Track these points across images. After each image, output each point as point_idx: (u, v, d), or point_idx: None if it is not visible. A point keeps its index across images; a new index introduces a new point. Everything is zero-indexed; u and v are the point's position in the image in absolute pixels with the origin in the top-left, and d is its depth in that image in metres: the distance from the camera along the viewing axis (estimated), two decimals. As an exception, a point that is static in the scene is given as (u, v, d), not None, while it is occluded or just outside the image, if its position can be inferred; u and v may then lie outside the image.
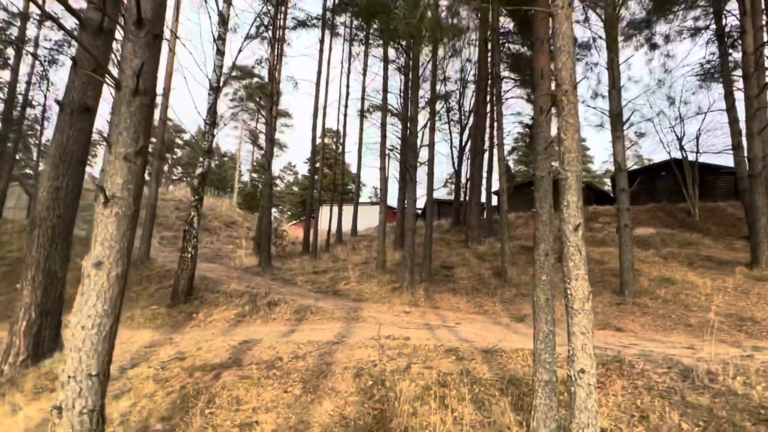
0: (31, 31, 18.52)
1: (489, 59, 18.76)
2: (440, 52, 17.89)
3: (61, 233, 6.28)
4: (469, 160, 21.83)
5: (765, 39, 13.18)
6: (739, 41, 14.37)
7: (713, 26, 17.68)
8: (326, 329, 8.35)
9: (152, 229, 15.08)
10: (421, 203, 29.39)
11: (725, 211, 19.87)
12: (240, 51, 12.56)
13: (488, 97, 20.04)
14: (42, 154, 24.43)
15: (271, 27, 17.51)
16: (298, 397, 4.79)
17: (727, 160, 22.70)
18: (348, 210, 25.26)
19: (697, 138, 21.92)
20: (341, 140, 26.28)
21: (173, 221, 24.48)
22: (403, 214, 16.73)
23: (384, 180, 18.84)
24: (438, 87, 20.15)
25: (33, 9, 18.09)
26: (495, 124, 17.61)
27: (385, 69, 18.44)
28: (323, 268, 16.23)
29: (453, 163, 23.91)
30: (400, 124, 19.50)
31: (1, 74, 19.68)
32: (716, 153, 30.24)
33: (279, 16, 17.94)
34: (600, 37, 14.25)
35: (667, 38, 18.99)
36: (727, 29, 17.01)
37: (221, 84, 11.84)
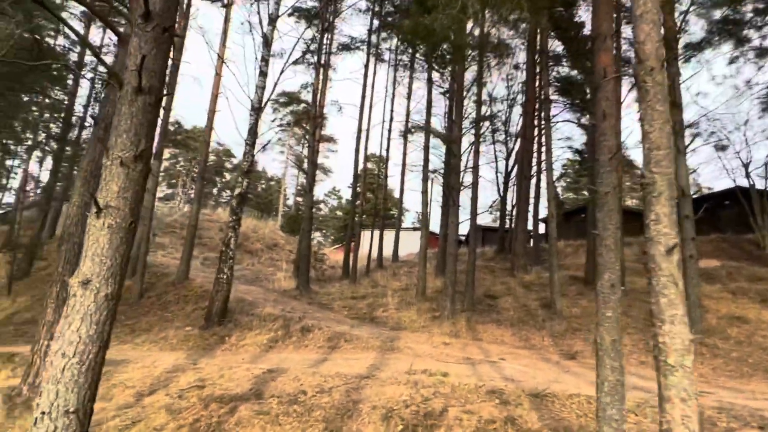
0: (88, 56, 19.59)
1: (537, 82, 18.12)
2: (486, 74, 17.44)
3: (89, 249, 6.14)
4: (515, 186, 21.00)
5: None
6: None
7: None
8: (359, 359, 7.83)
9: (192, 249, 15.12)
10: (464, 229, 28.52)
11: (801, 244, 18.00)
12: (282, 72, 12.57)
13: (535, 121, 19.29)
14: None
15: (315, 52, 17.75)
16: (318, 440, 4.26)
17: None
18: (389, 235, 24.82)
19: (766, 165, 20.31)
20: (384, 165, 26.10)
21: (217, 243, 24.80)
22: (445, 239, 16.01)
23: (426, 203, 18.29)
24: (483, 109, 19.61)
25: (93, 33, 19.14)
26: (543, 147, 16.82)
27: (429, 92, 18.16)
28: (362, 293, 15.75)
29: (498, 189, 23.07)
30: (443, 147, 19.01)
31: (60, 95, 20.82)
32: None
33: (324, 42, 18.16)
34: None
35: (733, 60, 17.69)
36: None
37: (263, 105, 11.84)
